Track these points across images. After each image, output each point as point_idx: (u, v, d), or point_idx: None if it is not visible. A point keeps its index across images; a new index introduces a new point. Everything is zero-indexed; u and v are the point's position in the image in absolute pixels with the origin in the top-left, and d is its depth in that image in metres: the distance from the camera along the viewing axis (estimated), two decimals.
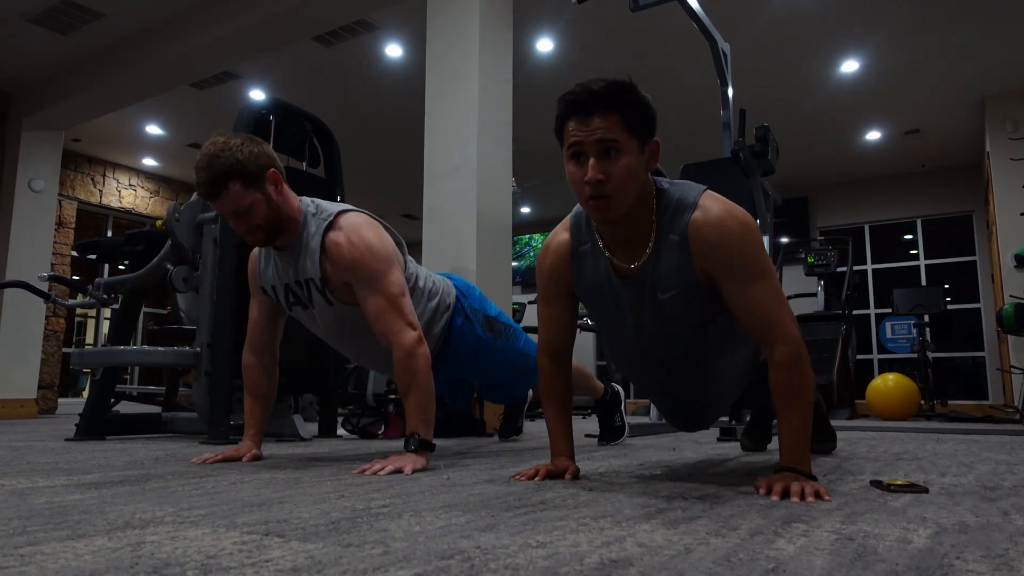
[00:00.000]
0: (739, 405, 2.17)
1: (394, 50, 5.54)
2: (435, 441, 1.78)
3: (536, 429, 3.73)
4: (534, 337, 2.02)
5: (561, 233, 1.50)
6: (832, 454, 2.12)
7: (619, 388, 2.62)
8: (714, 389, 1.61)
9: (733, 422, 2.88)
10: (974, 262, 7.97)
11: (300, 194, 1.91)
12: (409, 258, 2.01)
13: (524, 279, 10.58)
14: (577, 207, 1.46)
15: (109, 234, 8.15)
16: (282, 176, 1.79)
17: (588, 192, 1.27)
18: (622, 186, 1.26)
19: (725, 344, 1.48)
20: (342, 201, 3.35)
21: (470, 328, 2.12)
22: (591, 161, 1.25)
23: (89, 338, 9.40)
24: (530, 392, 2.79)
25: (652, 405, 4.21)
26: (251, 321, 1.99)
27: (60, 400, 7.24)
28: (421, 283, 2.02)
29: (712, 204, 1.32)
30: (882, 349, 8.28)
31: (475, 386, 2.49)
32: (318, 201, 1.87)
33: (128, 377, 8.18)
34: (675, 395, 1.64)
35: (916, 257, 8.33)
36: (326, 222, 1.79)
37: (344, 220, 1.80)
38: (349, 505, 1.12)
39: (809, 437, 1.30)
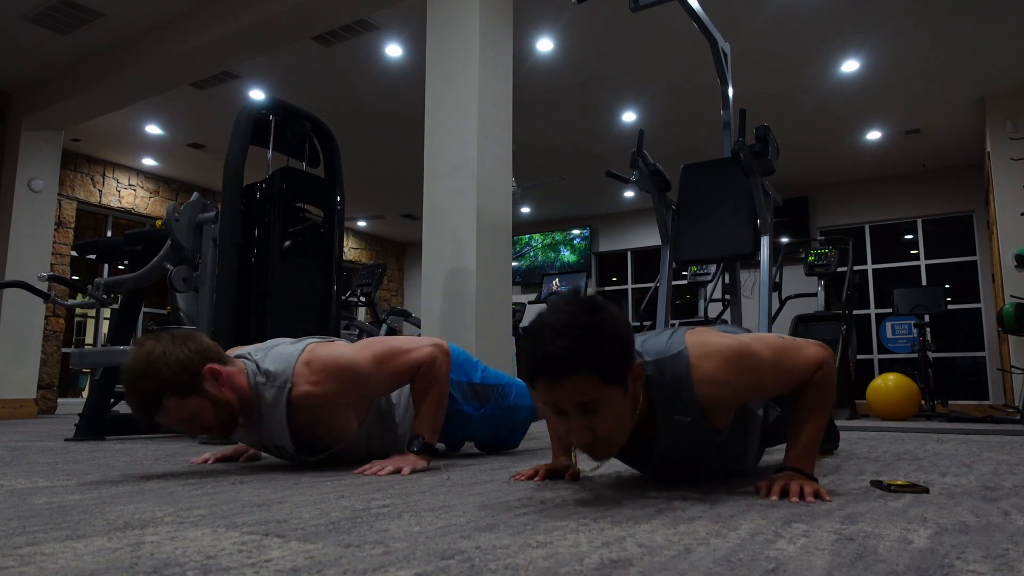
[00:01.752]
0: None
1: (394, 50, 5.54)
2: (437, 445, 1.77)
3: (536, 429, 3.73)
4: None
5: None
6: (833, 454, 2.12)
7: None
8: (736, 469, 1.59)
9: None
10: (974, 262, 7.96)
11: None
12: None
13: (524, 279, 10.58)
14: None
15: (109, 234, 8.14)
16: (221, 363, 1.63)
17: (577, 442, 1.17)
18: (613, 433, 1.17)
19: (742, 450, 1.46)
20: (341, 201, 3.35)
21: (454, 406, 2.06)
22: (574, 423, 1.13)
23: (89, 338, 9.40)
24: None
25: None
26: None
27: (60, 400, 7.23)
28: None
29: (701, 362, 1.25)
30: (882, 349, 8.27)
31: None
32: (266, 355, 1.72)
33: None
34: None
35: (916, 257, 8.33)
36: (285, 388, 1.65)
37: (299, 371, 1.66)
38: (349, 505, 1.12)
39: (818, 443, 1.31)
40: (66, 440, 2.81)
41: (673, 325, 2.58)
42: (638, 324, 6.07)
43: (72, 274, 7.48)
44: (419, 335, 2.77)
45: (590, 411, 1.12)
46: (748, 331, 1.67)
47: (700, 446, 1.32)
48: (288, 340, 1.82)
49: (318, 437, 1.75)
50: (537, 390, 1.13)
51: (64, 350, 7.34)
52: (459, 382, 2.10)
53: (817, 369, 1.29)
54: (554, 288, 7.16)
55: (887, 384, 5.30)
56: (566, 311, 1.11)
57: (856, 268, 7.42)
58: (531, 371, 1.11)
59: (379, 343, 1.77)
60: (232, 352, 1.84)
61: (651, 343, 1.30)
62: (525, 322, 7.10)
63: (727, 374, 1.23)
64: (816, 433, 1.29)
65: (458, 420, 2.08)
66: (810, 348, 1.32)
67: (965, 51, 5.43)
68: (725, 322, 5.38)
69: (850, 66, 5.69)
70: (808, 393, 1.30)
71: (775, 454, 1.99)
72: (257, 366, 1.68)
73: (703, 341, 1.27)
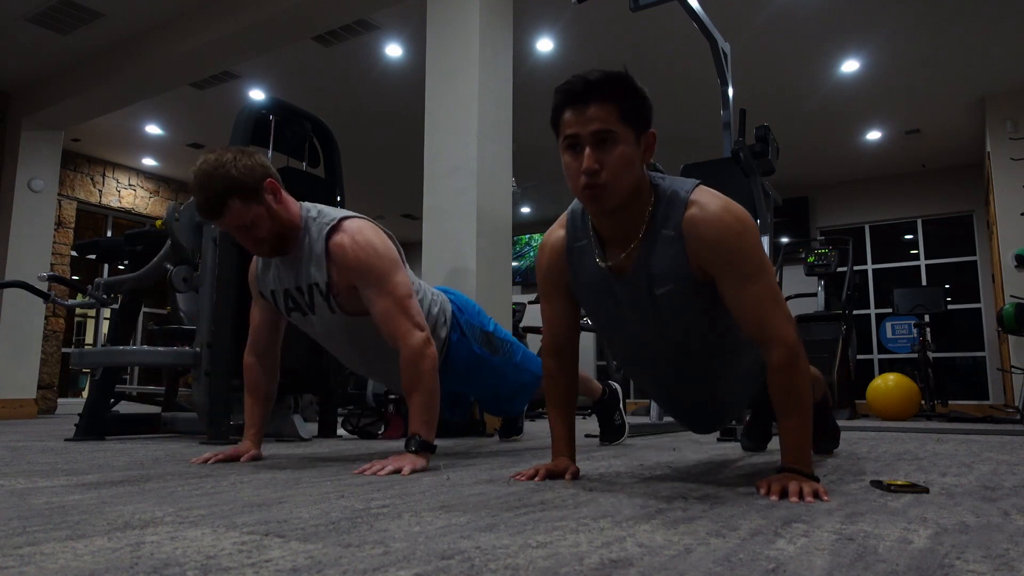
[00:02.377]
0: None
1: (394, 50, 5.54)
2: (436, 442, 1.77)
3: (536, 429, 3.73)
4: (535, 341, 2.01)
5: (557, 230, 1.49)
6: (833, 454, 2.12)
7: (617, 386, 2.62)
8: (720, 391, 1.59)
9: (734, 422, 2.88)
10: (974, 262, 7.97)
11: (300, 195, 1.90)
12: (409, 270, 2.01)
13: (524, 279, 10.58)
14: (573, 203, 1.45)
15: (109, 234, 8.15)
16: (279, 184, 1.77)
17: (583, 181, 1.26)
18: (617, 175, 1.25)
19: (728, 344, 1.46)
20: (342, 201, 3.35)
21: (466, 344, 2.11)
22: (586, 151, 1.24)
23: (89, 338, 9.40)
24: None
25: (652, 404, 4.21)
26: (252, 325, 1.98)
27: (60, 400, 7.23)
28: (420, 295, 2.02)
29: (708, 199, 1.31)
30: (882, 349, 8.27)
31: (472, 399, 2.48)
32: (319, 206, 1.86)
33: (128, 377, 8.17)
34: (679, 397, 1.63)
35: (916, 257, 8.33)
36: (328, 226, 1.78)
37: (347, 224, 1.79)
38: (349, 505, 1.12)
39: (809, 438, 1.30)
40: (66, 440, 2.81)
41: None
42: None
43: (72, 274, 7.49)
44: None
45: (604, 145, 1.24)
46: None
47: (674, 277, 1.33)
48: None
49: (342, 297, 1.82)
50: (562, 122, 1.27)
51: (64, 350, 7.34)
52: (473, 325, 2.15)
53: (779, 345, 1.25)
54: None
55: (887, 384, 5.30)
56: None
57: (856, 268, 7.42)
58: (562, 99, 1.26)
59: (409, 292, 1.80)
60: None
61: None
62: (525, 322, 7.10)
63: (720, 220, 1.28)
64: (802, 430, 1.27)
65: (473, 361, 2.11)
66: (789, 325, 1.29)
67: (965, 51, 5.43)
68: None
69: (850, 66, 5.70)
70: (774, 387, 1.27)
71: (777, 454, 1.99)
72: (311, 207, 1.83)
73: (719, 194, 1.34)
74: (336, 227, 1.78)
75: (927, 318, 6.24)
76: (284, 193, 1.78)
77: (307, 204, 1.86)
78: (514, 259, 10.52)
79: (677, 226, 1.31)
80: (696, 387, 1.56)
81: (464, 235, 3.55)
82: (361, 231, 1.79)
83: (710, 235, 1.28)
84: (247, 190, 1.67)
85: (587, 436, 2.83)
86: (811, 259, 6.67)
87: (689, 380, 1.54)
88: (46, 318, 6.82)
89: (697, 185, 1.35)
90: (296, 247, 1.81)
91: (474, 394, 2.40)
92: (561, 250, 1.47)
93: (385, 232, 1.89)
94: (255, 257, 1.96)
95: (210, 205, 1.67)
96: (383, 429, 3.08)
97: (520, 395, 2.38)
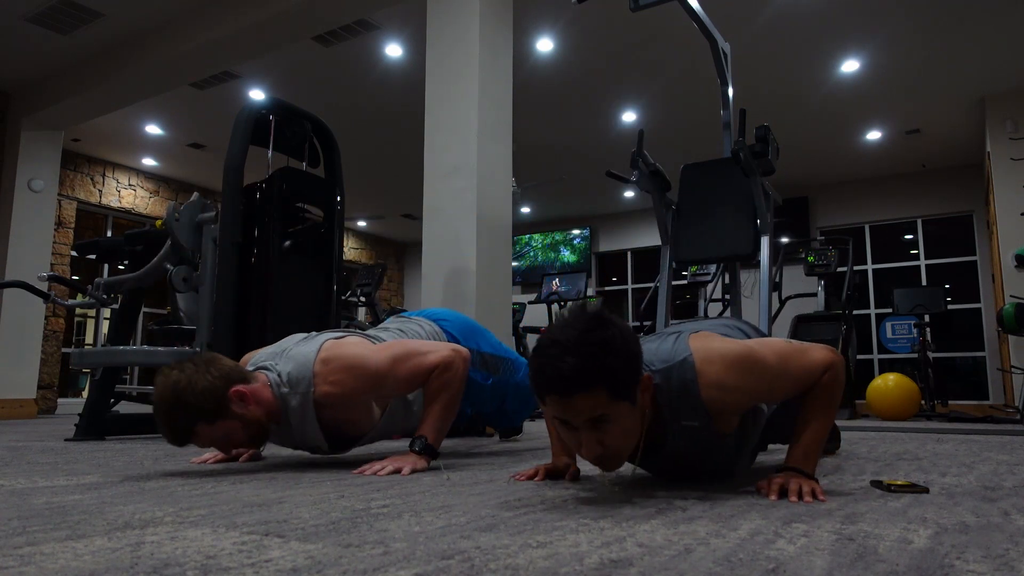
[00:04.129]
0: None
1: (394, 50, 5.54)
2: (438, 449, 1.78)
3: (536, 429, 3.73)
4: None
5: None
6: (834, 454, 2.12)
7: None
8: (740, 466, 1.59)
9: None
10: (974, 262, 7.96)
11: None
12: (391, 321, 2.00)
13: (524, 279, 10.58)
14: None
15: (109, 234, 8.14)
16: (244, 382, 1.66)
17: (588, 458, 1.19)
18: (621, 446, 1.18)
19: (756, 447, 1.48)
20: (341, 201, 3.35)
21: None
22: (584, 437, 1.15)
23: (89, 338, 9.40)
24: None
25: None
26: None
27: (60, 400, 7.23)
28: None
29: (707, 367, 1.25)
30: (882, 349, 8.27)
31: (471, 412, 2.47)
32: (279, 365, 1.74)
33: (128, 377, 8.17)
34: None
35: (916, 257, 8.33)
36: (308, 393, 1.70)
37: (318, 371, 1.71)
38: (349, 505, 1.12)
39: (821, 445, 1.32)
40: (66, 440, 2.81)
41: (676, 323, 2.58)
42: (637, 324, 6.06)
43: (72, 274, 7.48)
44: None
45: (600, 425, 1.13)
46: (754, 327, 1.67)
47: (707, 448, 1.33)
48: (299, 336, 1.86)
49: (345, 430, 1.81)
50: (548, 405, 1.14)
51: (64, 350, 7.34)
52: (470, 351, 2.11)
53: (824, 372, 1.29)
54: (554, 288, 7.15)
55: (887, 384, 5.30)
56: (574, 327, 1.11)
57: (856, 268, 7.42)
58: (541, 388, 1.13)
59: (399, 345, 1.80)
60: (247, 359, 1.87)
61: (657, 350, 1.31)
62: (525, 322, 7.10)
63: (732, 379, 1.24)
64: (820, 435, 1.29)
65: (472, 387, 2.09)
66: (818, 352, 1.31)
67: (965, 51, 5.43)
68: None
69: (850, 66, 5.69)
70: (814, 395, 1.30)
71: (777, 454, 1.99)
72: (279, 376, 1.72)
73: (708, 347, 1.28)
74: (314, 388, 1.70)
75: (927, 318, 6.23)
76: (252, 387, 1.66)
77: (272, 371, 1.74)
78: (514, 259, 10.53)
79: (699, 413, 1.27)
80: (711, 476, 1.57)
81: (464, 235, 3.55)
82: (332, 360, 1.71)
83: (733, 401, 1.27)
84: (209, 413, 1.58)
85: None
86: (811, 259, 6.66)
87: (707, 477, 1.54)
88: (46, 318, 6.81)
89: (688, 355, 1.27)
90: (283, 422, 1.74)
91: (476, 411, 2.38)
92: None
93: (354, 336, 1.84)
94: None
95: (176, 437, 1.58)
96: None
97: (522, 409, 2.36)
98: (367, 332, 2.00)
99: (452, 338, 2.12)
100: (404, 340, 1.82)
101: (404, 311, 2.80)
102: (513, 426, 2.71)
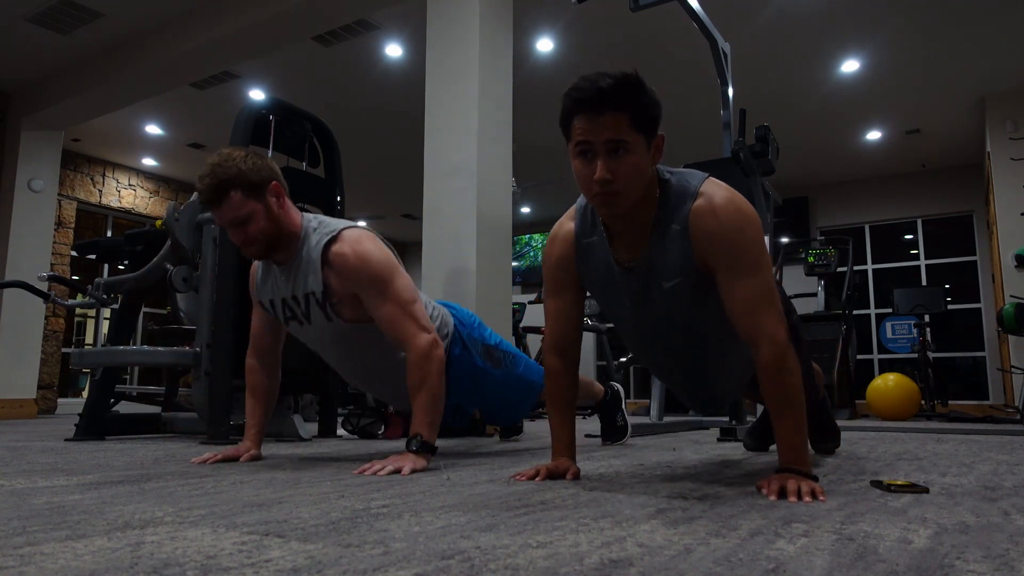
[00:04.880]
0: (753, 389, 2.18)
1: (394, 50, 5.54)
2: (436, 443, 1.77)
3: (536, 429, 3.73)
4: (535, 342, 2.00)
5: (567, 223, 1.51)
6: (834, 454, 2.12)
7: (619, 388, 2.62)
8: (724, 375, 1.62)
9: (733, 422, 2.88)
10: (974, 262, 7.97)
11: (300, 194, 1.91)
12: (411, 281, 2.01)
13: (524, 279, 10.59)
14: (581, 198, 1.46)
15: (109, 234, 8.15)
16: (285, 191, 1.81)
17: (596, 189, 1.28)
18: (629, 183, 1.27)
19: (730, 333, 1.47)
20: (342, 201, 3.35)
21: (468, 358, 2.09)
22: (599, 160, 1.25)
23: (89, 338, 9.40)
24: None
25: (652, 405, 4.21)
26: (253, 331, 2.00)
27: (60, 400, 7.23)
28: (423, 306, 2.02)
29: (714, 192, 1.33)
30: (882, 349, 8.27)
31: (472, 410, 2.47)
32: (322, 217, 1.89)
33: (128, 377, 8.17)
34: (685, 380, 1.66)
35: (916, 257, 8.33)
36: (328, 236, 1.80)
37: (346, 234, 1.82)
38: (349, 505, 1.12)
39: (804, 438, 1.30)
40: (66, 440, 2.81)
41: None
42: None
43: (72, 274, 7.49)
44: None
45: (616, 152, 1.24)
46: None
47: (681, 270, 1.35)
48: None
49: (341, 305, 1.83)
50: (573, 128, 1.27)
51: (64, 350, 7.34)
52: (475, 339, 2.13)
53: (767, 344, 1.25)
54: None
55: (887, 384, 5.30)
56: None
57: (856, 268, 7.42)
58: (573, 105, 1.26)
59: (415, 299, 1.81)
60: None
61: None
62: (525, 322, 7.09)
63: (723, 211, 1.30)
64: (796, 429, 1.27)
65: (476, 375, 2.10)
66: (780, 326, 1.27)
67: (965, 51, 5.43)
68: None
69: (850, 66, 5.70)
70: (764, 391, 1.28)
71: (776, 454, 1.99)
72: (314, 218, 1.87)
73: (727, 187, 1.36)
74: (336, 237, 1.80)
75: (927, 318, 6.23)
76: (288, 201, 1.82)
77: (310, 215, 1.88)
78: (514, 259, 10.53)
79: (684, 219, 1.33)
80: (698, 370, 1.59)
81: (464, 235, 3.55)
82: (360, 240, 1.81)
83: (711, 226, 1.30)
84: (250, 185, 1.72)
85: (587, 436, 2.83)
86: (811, 259, 6.67)
87: (691, 364, 1.57)
88: (46, 318, 6.81)
89: (706, 178, 1.36)
90: (294, 256, 1.83)
91: (477, 406, 2.38)
92: (571, 242, 1.48)
93: (384, 242, 1.90)
94: (255, 265, 1.96)
95: (211, 191, 1.70)
96: (383, 429, 3.08)
97: (522, 405, 2.36)
98: None
99: (460, 323, 2.13)
100: (416, 301, 1.81)
101: None
102: (513, 422, 2.71)
